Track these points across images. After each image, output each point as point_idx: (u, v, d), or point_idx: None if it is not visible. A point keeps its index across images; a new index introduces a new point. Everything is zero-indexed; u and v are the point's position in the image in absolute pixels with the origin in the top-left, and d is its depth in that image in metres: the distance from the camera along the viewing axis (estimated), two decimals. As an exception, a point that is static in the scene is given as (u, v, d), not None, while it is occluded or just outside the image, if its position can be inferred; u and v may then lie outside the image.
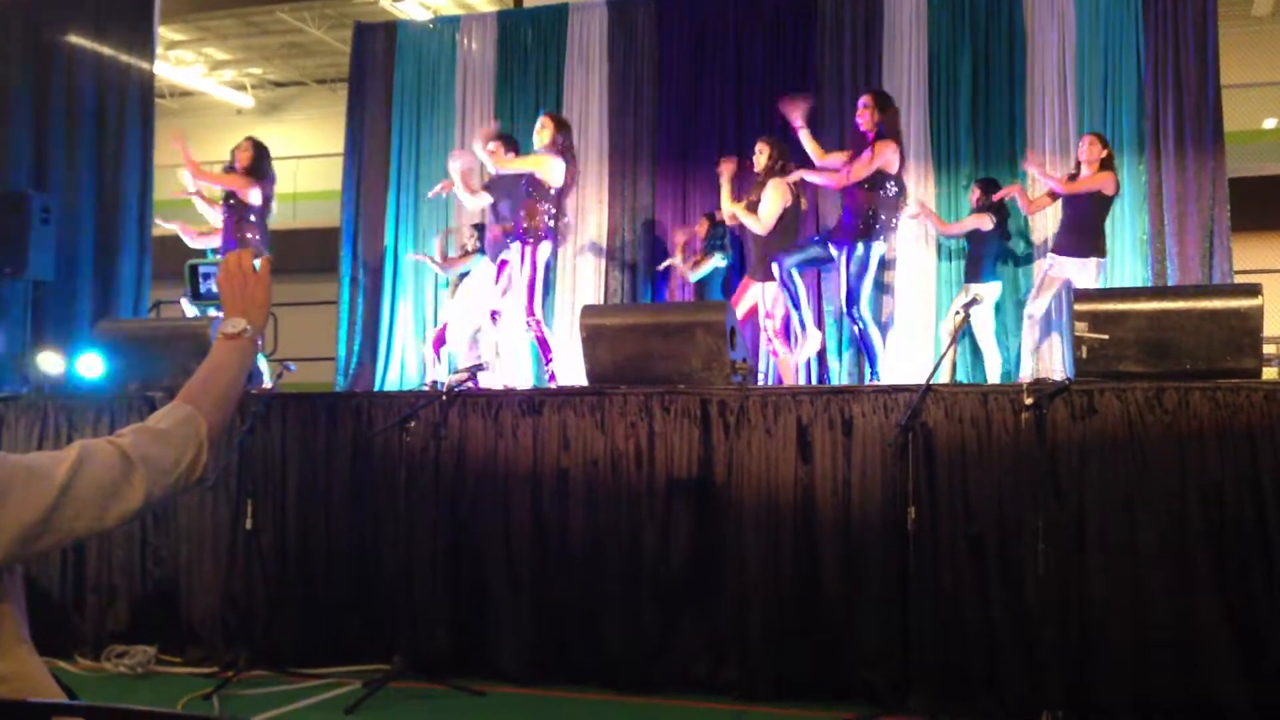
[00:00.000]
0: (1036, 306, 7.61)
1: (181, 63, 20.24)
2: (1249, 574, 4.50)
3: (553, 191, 7.35)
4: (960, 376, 7.86)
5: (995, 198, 7.85)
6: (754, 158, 7.49)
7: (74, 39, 9.13)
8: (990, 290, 7.82)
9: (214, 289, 2.04)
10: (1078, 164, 7.52)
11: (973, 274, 7.89)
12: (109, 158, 9.10)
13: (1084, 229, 7.41)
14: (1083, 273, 7.28)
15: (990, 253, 7.88)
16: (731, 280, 8.25)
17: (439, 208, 9.52)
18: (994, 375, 7.75)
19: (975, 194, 7.99)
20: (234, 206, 8.05)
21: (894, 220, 7.26)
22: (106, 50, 9.22)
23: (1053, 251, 7.59)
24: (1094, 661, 4.61)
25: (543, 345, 7.56)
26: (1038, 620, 4.63)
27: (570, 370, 8.19)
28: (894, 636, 4.79)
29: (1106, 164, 7.42)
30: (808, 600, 5.00)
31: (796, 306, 7.17)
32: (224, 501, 5.79)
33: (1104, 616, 4.62)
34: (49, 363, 6.82)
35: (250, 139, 8.31)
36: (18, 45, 8.96)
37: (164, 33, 15.80)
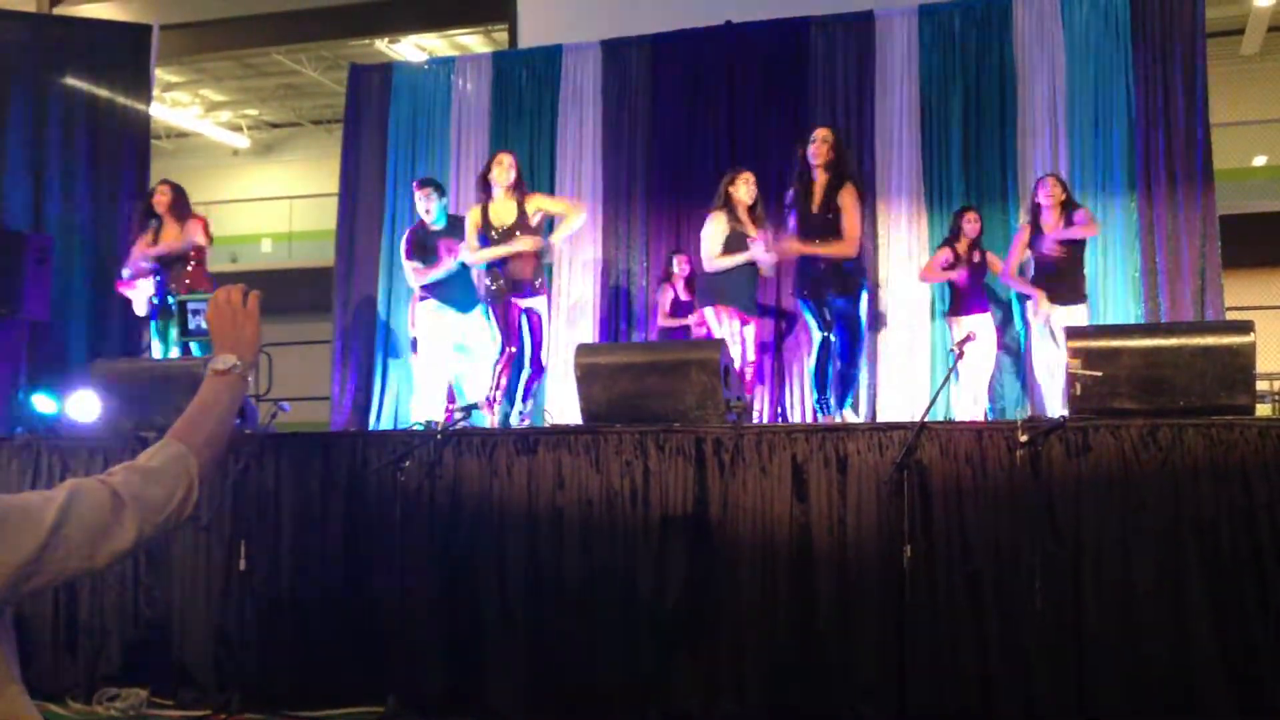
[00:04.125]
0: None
1: (178, 104, 20.37)
2: (1245, 609, 4.49)
3: None
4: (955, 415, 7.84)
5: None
6: (746, 189, 7.18)
7: (71, 81, 9.18)
8: (981, 323, 7.76)
9: (203, 325, 2.04)
10: (1036, 205, 7.55)
11: (957, 308, 7.88)
12: (105, 199, 9.14)
13: (1076, 275, 7.46)
14: (1074, 320, 7.30)
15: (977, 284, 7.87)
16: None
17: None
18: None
19: (978, 224, 7.91)
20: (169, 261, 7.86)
21: None
22: (103, 92, 9.28)
23: (1057, 301, 7.52)
24: (1090, 697, 4.59)
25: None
26: (1034, 656, 4.62)
27: (565, 409, 8.19)
28: (891, 673, 4.77)
29: (1068, 204, 7.46)
30: (803, 637, 4.97)
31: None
32: (217, 542, 5.76)
33: (1100, 652, 4.60)
34: (43, 402, 6.81)
35: (165, 181, 8.09)
36: (15, 87, 9.01)
37: (161, 75, 15.92)
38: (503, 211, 7.13)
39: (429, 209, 7.75)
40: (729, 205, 7.11)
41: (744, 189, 7.14)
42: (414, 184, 8.10)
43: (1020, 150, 8.48)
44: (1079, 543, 4.68)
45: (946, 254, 7.81)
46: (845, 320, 6.93)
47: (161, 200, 7.90)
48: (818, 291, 6.93)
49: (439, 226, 7.75)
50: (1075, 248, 7.47)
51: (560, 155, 9.44)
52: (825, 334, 6.96)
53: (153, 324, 7.92)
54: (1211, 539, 4.55)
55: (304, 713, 5.35)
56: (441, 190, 7.91)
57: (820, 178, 6.91)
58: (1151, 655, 4.55)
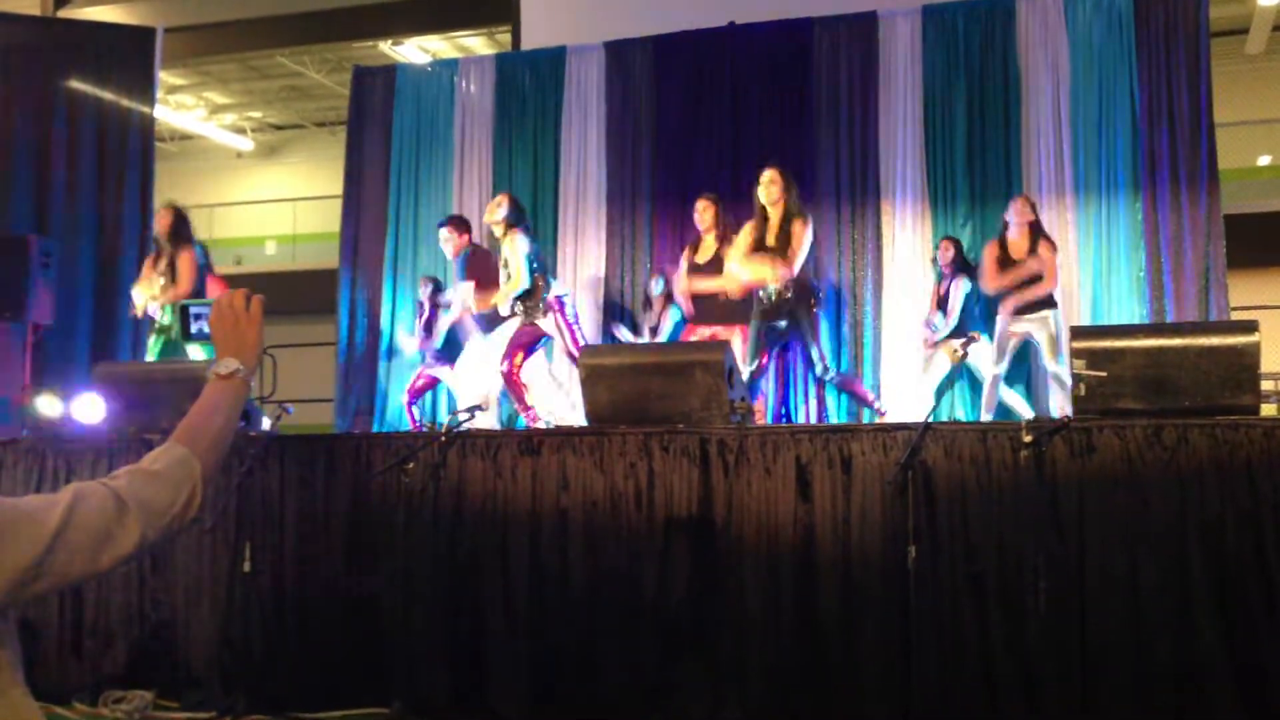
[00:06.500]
0: (1001, 367, 7.62)
1: (182, 107, 20.40)
2: (1250, 610, 4.48)
3: None
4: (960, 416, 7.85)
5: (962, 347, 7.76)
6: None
7: (75, 84, 9.19)
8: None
9: (206, 329, 2.04)
10: (1004, 223, 7.59)
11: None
12: (109, 201, 9.15)
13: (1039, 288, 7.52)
14: (1044, 328, 7.36)
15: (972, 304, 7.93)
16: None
17: (435, 251, 9.55)
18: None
19: (950, 253, 8.00)
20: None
21: None
22: (108, 95, 9.29)
23: (1013, 314, 7.54)
24: (1095, 698, 4.58)
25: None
26: (1039, 657, 4.61)
27: (570, 410, 8.17)
28: (895, 675, 4.76)
29: (1036, 227, 7.50)
30: (808, 639, 4.97)
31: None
32: (222, 544, 5.76)
33: (1105, 653, 4.59)
34: (48, 405, 6.81)
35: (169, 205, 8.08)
36: (20, 90, 9.03)
37: (165, 77, 15.92)
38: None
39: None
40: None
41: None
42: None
43: (1024, 150, 8.48)
44: (1083, 543, 4.67)
45: (936, 290, 7.97)
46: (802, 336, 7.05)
47: (161, 225, 7.89)
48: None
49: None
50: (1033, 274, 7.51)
51: (564, 157, 9.44)
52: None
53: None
54: (1216, 540, 4.54)
55: (308, 715, 5.35)
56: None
57: (774, 215, 6.93)
58: (1156, 656, 4.54)
